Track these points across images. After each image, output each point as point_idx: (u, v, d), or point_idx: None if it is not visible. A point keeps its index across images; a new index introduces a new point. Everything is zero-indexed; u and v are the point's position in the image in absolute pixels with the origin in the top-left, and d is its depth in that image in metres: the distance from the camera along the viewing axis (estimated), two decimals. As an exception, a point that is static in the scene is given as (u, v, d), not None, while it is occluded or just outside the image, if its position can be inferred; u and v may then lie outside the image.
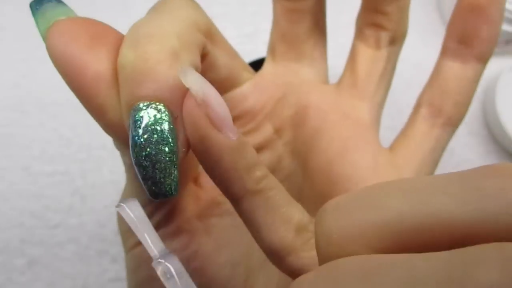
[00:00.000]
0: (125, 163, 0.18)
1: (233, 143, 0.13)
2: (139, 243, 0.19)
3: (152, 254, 0.13)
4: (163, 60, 0.13)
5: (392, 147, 0.21)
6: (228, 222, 0.16)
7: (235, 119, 0.21)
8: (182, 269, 0.12)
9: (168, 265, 0.12)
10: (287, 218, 0.14)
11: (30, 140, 0.38)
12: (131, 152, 0.13)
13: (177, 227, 0.19)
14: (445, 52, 0.21)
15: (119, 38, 0.14)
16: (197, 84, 0.13)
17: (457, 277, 0.08)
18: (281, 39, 0.21)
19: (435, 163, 0.21)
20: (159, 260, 0.12)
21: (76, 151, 0.38)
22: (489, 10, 0.18)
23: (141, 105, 0.13)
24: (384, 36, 0.21)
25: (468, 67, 0.20)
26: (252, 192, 0.14)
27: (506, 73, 0.38)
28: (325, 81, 0.22)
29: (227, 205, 0.20)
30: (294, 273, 0.14)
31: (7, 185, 0.37)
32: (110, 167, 0.37)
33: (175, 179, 0.13)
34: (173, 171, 0.13)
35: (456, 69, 0.20)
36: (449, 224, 0.09)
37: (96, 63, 0.14)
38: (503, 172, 0.09)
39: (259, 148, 0.22)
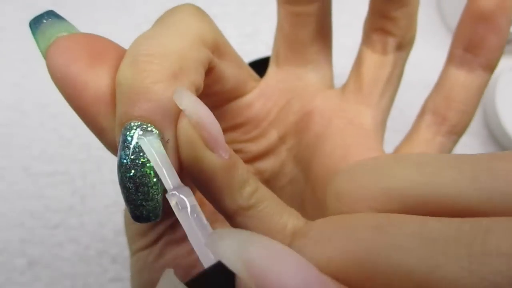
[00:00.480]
0: None
1: (225, 162, 0.13)
2: (145, 247, 0.19)
3: (166, 186, 0.13)
4: (160, 80, 0.13)
5: (395, 154, 0.21)
6: (229, 226, 0.16)
7: (240, 126, 0.21)
8: (194, 202, 0.12)
9: (182, 196, 0.12)
10: (281, 226, 0.14)
11: (30, 140, 0.38)
12: (117, 171, 0.13)
13: (182, 234, 0.19)
14: (451, 59, 0.20)
15: (121, 54, 0.14)
16: (191, 105, 0.13)
17: (465, 238, 0.08)
18: (285, 44, 0.21)
19: None
20: (173, 192, 0.12)
21: (76, 151, 0.38)
22: (497, 18, 0.18)
23: (132, 124, 0.13)
24: (391, 42, 0.20)
25: (474, 75, 0.20)
26: (245, 208, 0.14)
27: (506, 73, 0.38)
28: (330, 85, 0.22)
29: None
30: None
31: (7, 185, 0.37)
32: (110, 167, 0.37)
33: (157, 204, 0.13)
34: (156, 196, 0.13)
35: (462, 78, 0.20)
36: (457, 199, 0.10)
37: (96, 83, 0.14)
38: None
39: (263, 154, 0.22)
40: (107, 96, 0.14)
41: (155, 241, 0.19)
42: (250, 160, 0.22)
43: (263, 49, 0.39)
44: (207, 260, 0.11)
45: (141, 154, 0.13)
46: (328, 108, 0.21)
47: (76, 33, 0.15)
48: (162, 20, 0.15)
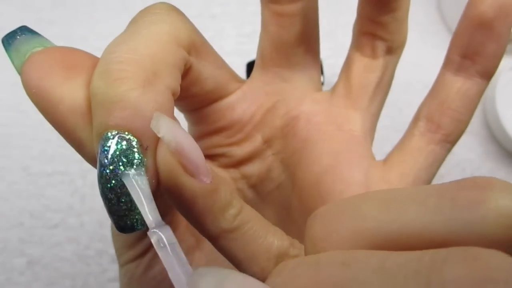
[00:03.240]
0: None
1: (206, 187, 0.13)
2: (133, 259, 0.19)
3: (148, 223, 0.13)
4: (134, 87, 0.13)
5: (386, 161, 0.21)
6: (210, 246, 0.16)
7: (224, 129, 0.21)
8: (174, 240, 0.12)
9: (162, 235, 0.12)
10: (266, 247, 0.14)
11: (29, 140, 0.38)
12: (98, 182, 0.13)
13: None
14: (448, 65, 0.20)
15: (95, 64, 0.14)
16: (169, 132, 0.13)
17: (424, 270, 0.09)
18: (271, 45, 0.20)
19: (429, 180, 0.21)
20: (154, 230, 0.12)
21: (75, 151, 0.38)
22: (497, 25, 0.18)
23: (109, 134, 0.12)
24: (381, 46, 0.20)
25: (471, 83, 0.19)
26: (228, 230, 0.14)
27: (506, 73, 0.38)
28: (318, 88, 0.22)
29: None
30: None
31: (6, 185, 0.37)
32: (109, 167, 0.37)
33: (141, 213, 0.13)
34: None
35: (458, 84, 0.19)
36: (422, 233, 0.10)
37: (71, 95, 0.13)
38: (479, 185, 0.10)
39: (249, 158, 0.21)
40: (83, 108, 0.13)
41: (143, 253, 0.18)
42: (235, 164, 0.21)
43: (263, 49, 0.39)
44: None
45: (120, 164, 0.12)
46: (316, 112, 0.21)
47: (50, 47, 0.14)
48: (135, 22, 0.15)
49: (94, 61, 0.14)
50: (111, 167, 0.12)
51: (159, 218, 0.13)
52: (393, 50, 0.20)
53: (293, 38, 0.20)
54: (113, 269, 0.35)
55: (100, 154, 0.13)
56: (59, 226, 0.36)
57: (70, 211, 0.36)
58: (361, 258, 0.10)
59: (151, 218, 0.13)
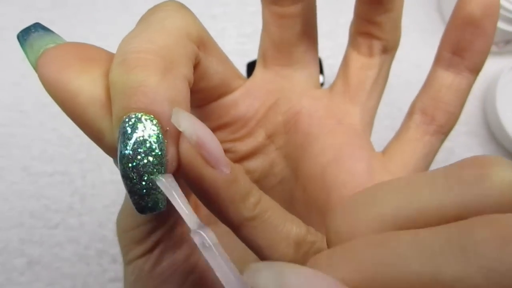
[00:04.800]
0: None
1: (227, 177, 0.14)
2: (141, 255, 0.19)
3: (190, 225, 0.13)
4: (154, 74, 0.13)
5: (385, 152, 0.22)
6: (224, 228, 0.16)
7: (227, 125, 0.21)
8: (216, 240, 0.13)
9: (205, 235, 0.13)
10: (285, 235, 0.15)
11: (30, 140, 0.38)
12: (118, 164, 0.13)
13: (179, 239, 0.19)
14: (439, 61, 0.21)
15: (111, 58, 0.14)
16: (190, 126, 0.13)
17: (455, 237, 0.10)
18: (272, 45, 0.21)
19: (426, 168, 0.22)
20: (197, 231, 0.13)
21: (76, 151, 0.38)
22: (484, 24, 0.19)
23: (131, 115, 0.13)
24: (377, 45, 0.21)
25: (461, 77, 0.20)
26: (249, 218, 0.15)
27: (506, 73, 0.38)
28: (317, 85, 0.23)
29: None
30: None
31: (6, 185, 0.37)
32: (110, 167, 0.37)
33: (162, 193, 0.13)
34: None
35: (449, 80, 0.21)
36: (439, 210, 0.12)
37: (89, 87, 0.14)
38: (478, 163, 0.12)
39: (252, 154, 0.22)
40: (103, 98, 0.14)
41: (151, 249, 0.19)
42: (239, 159, 0.22)
43: (263, 49, 0.39)
44: None
45: (142, 144, 0.13)
46: (316, 108, 0.21)
47: (65, 43, 0.15)
48: (146, 19, 0.15)
49: (109, 55, 0.15)
50: (134, 147, 0.13)
51: (198, 219, 0.13)
52: (388, 49, 0.21)
53: (293, 37, 0.21)
54: (113, 269, 0.35)
55: (122, 136, 0.13)
56: (59, 226, 0.36)
57: (70, 211, 0.36)
58: (392, 237, 0.11)
59: (194, 220, 0.13)
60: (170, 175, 0.13)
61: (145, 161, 0.13)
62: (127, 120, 0.13)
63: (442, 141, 0.22)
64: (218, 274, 0.12)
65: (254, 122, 0.21)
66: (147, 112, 0.13)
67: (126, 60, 0.13)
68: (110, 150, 0.14)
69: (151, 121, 0.13)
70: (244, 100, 0.21)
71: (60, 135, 0.38)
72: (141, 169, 0.13)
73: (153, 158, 0.13)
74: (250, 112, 0.21)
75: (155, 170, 0.13)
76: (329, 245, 0.13)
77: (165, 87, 0.13)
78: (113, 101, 0.13)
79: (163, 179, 0.13)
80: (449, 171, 0.12)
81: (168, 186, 0.13)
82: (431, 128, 0.21)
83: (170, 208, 0.14)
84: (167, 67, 0.14)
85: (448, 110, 0.21)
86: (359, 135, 0.21)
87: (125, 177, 0.13)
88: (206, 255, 0.12)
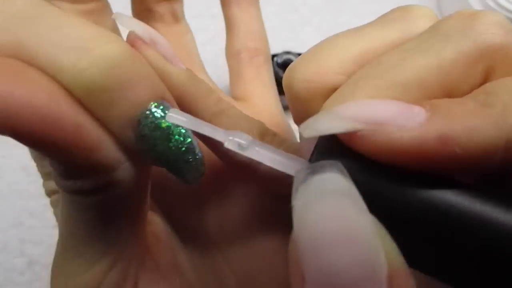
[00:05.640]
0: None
1: (188, 72, 0.15)
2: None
3: (220, 138, 0.13)
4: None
5: (238, 98, 0.23)
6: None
7: None
8: (249, 137, 0.13)
9: (237, 139, 0.13)
10: (250, 128, 0.16)
11: (29, 140, 0.38)
12: (164, 163, 0.13)
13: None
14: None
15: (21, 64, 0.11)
16: (139, 26, 0.13)
17: (461, 25, 0.13)
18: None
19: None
20: (229, 138, 0.13)
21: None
22: None
23: (151, 106, 0.12)
24: (179, 7, 0.24)
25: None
26: (217, 113, 0.15)
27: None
28: None
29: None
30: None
31: (6, 184, 0.37)
32: (109, 167, 0.37)
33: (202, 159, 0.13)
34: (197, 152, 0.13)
35: (241, 13, 0.24)
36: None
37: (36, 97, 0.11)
38: (461, 15, 0.13)
39: None
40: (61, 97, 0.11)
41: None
42: None
43: (262, 49, 0.39)
44: (296, 166, 0.12)
45: (173, 130, 0.13)
46: None
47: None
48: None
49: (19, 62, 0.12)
50: (176, 137, 0.13)
51: (222, 129, 0.13)
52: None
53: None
54: (113, 269, 0.35)
55: (157, 132, 0.12)
56: (59, 226, 0.36)
57: (70, 211, 0.36)
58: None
59: (219, 132, 0.13)
60: (174, 109, 0.13)
61: (189, 141, 0.13)
62: (145, 114, 0.12)
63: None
64: (269, 164, 0.12)
65: None
66: (158, 97, 0.13)
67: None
68: (106, 163, 0.13)
69: (162, 104, 0.12)
70: None
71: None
72: (190, 147, 0.13)
73: (181, 137, 0.13)
74: None
75: (192, 141, 0.13)
76: (294, 99, 0.14)
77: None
78: (110, 105, 0.12)
79: (173, 114, 0.13)
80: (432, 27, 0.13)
81: (179, 117, 0.13)
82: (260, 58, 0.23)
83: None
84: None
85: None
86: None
87: (182, 161, 0.13)
88: (248, 154, 0.12)
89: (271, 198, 0.20)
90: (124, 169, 0.13)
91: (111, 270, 0.15)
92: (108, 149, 0.12)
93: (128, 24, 0.13)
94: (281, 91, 0.25)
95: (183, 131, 0.13)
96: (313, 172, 0.10)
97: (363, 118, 0.10)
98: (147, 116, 0.12)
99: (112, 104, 0.11)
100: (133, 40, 0.14)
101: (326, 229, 0.09)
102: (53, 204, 0.20)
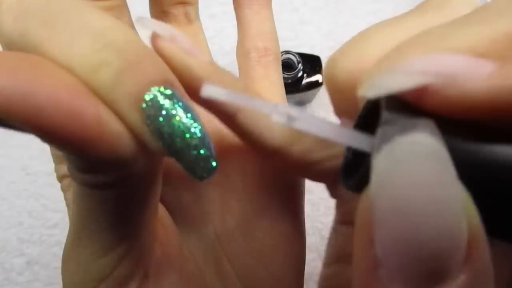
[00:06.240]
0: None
1: (211, 63, 0.15)
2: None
3: (267, 110, 0.12)
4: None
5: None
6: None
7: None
8: (297, 109, 0.12)
9: (286, 110, 0.12)
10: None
11: (28, 139, 0.38)
12: (159, 139, 0.12)
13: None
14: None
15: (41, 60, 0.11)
16: (159, 26, 0.14)
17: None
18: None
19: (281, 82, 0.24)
20: (278, 110, 0.12)
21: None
22: None
23: (156, 88, 0.12)
24: (192, 10, 0.23)
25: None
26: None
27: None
28: None
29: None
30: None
31: (5, 184, 0.37)
32: (109, 167, 0.37)
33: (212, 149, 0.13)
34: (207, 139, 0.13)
35: (252, 15, 0.23)
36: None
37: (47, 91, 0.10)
38: None
39: None
40: (79, 89, 0.11)
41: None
42: None
43: (262, 49, 0.39)
44: (348, 134, 0.11)
45: (178, 111, 0.12)
46: None
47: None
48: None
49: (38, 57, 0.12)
50: (192, 125, 0.12)
51: (268, 102, 0.13)
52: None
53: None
54: (112, 269, 0.35)
55: (148, 108, 0.12)
56: (58, 225, 0.36)
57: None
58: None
59: (268, 105, 0.12)
60: (211, 84, 0.13)
61: (200, 128, 0.13)
62: (153, 100, 0.12)
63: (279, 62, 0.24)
64: (321, 134, 0.11)
65: None
66: (164, 83, 0.12)
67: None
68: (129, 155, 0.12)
69: (169, 92, 0.12)
70: None
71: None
72: (202, 135, 0.13)
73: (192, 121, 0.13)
74: None
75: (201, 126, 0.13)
76: (336, 91, 0.13)
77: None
78: (117, 85, 0.12)
79: (210, 87, 0.12)
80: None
81: (221, 91, 0.12)
82: (269, 58, 0.23)
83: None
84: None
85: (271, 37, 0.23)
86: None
87: (181, 155, 0.12)
88: (298, 125, 0.12)
89: (271, 195, 0.20)
90: (141, 162, 0.13)
91: (124, 258, 0.15)
92: (127, 141, 0.12)
93: (149, 25, 0.14)
94: (287, 91, 0.26)
95: (190, 115, 0.13)
96: (402, 130, 0.09)
97: (433, 71, 0.10)
98: (152, 97, 0.12)
99: (120, 83, 0.11)
100: (154, 39, 0.14)
101: (413, 195, 0.08)
102: (64, 189, 0.20)
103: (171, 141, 0.12)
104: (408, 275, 0.08)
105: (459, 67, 0.10)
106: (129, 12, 0.20)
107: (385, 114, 0.10)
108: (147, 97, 0.12)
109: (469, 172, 0.09)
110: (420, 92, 0.10)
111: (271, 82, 0.23)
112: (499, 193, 0.09)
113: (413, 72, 0.10)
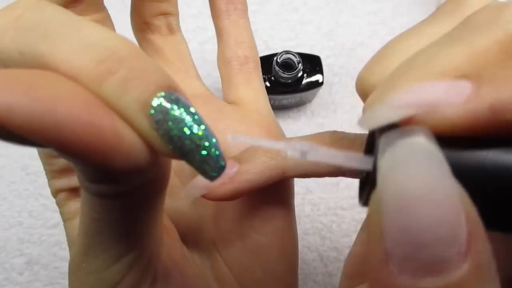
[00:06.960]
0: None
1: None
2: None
3: (281, 148, 0.14)
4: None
5: (231, 102, 0.24)
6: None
7: None
8: (309, 144, 0.14)
9: (297, 146, 0.14)
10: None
11: (29, 139, 0.38)
12: (168, 144, 0.12)
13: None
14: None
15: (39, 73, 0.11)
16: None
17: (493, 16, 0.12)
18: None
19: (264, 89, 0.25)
20: (290, 146, 0.14)
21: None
22: None
23: (162, 99, 0.12)
24: (174, 21, 0.25)
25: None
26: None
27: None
28: None
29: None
30: None
31: (5, 184, 0.37)
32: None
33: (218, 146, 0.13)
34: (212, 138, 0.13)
35: (231, 25, 0.25)
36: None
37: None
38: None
39: None
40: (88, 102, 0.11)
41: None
42: None
43: (262, 48, 0.39)
44: (353, 159, 0.13)
45: (186, 115, 0.13)
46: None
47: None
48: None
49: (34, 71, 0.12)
50: (199, 127, 0.13)
51: (280, 142, 0.14)
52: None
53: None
54: (112, 269, 0.35)
55: (156, 113, 0.12)
56: (58, 225, 0.36)
57: (69, 210, 0.36)
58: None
59: (280, 142, 0.14)
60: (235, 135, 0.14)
61: (204, 126, 0.13)
62: (160, 106, 0.12)
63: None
64: (331, 162, 0.13)
65: None
66: (168, 88, 0.12)
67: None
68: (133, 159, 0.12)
69: (173, 96, 0.12)
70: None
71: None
72: (207, 133, 0.13)
73: (195, 122, 0.13)
74: None
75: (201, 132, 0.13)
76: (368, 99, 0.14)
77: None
78: (122, 92, 0.12)
79: (235, 136, 0.14)
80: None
81: (244, 139, 0.14)
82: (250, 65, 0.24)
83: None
84: None
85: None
86: (210, 99, 0.24)
87: (199, 146, 0.13)
88: (310, 157, 0.13)
89: (262, 193, 0.21)
90: (154, 169, 0.13)
91: (135, 264, 0.16)
92: (141, 149, 0.12)
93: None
94: (281, 91, 0.26)
95: (196, 117, 0.13)
96: (401, 135, 0.11)
97: (416, 103, 0.11)
98: (159, 102, 0.12)
99: (127, 91, 0.11)
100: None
101: (412, 189, 0.09)
102: (60, 204, 0.20)
103: (181, 143, 0.13)
104: (414, 266, 0.09)
105: (440, 94, 0.11)
106: (113, 25, 0.20)
107: (378, 141, 0.12)
108: (155, 103, 0.12)
109: (459, 174, 0.11)
110: (408, 120, 0.11)
111: (254, 89, 0.24)
112: (487, 192, 0.11)
113: (399, 105, 0.12)
